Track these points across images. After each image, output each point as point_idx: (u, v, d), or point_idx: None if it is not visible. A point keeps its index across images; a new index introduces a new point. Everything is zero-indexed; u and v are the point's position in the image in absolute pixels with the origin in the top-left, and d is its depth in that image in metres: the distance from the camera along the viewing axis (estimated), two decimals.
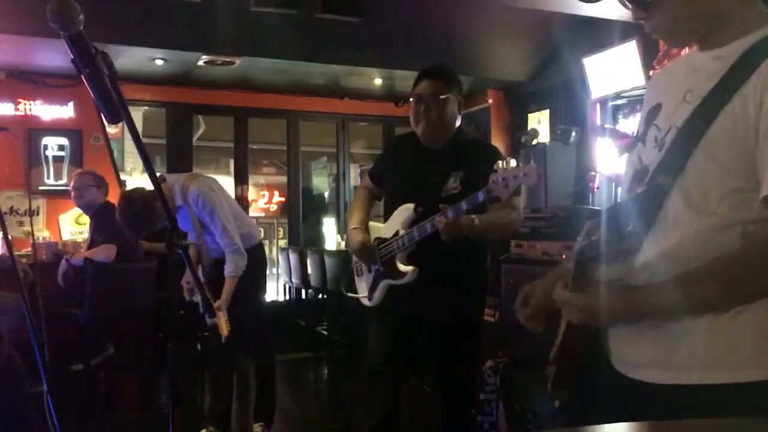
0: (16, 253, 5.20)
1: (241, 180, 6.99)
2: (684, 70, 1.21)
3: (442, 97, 2.47)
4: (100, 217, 4.43)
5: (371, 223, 2.74)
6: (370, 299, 2.67)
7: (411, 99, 2.55)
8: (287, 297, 7.00)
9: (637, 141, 1.26)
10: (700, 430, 0.92)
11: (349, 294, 2.86)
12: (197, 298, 3.40)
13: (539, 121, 6.26)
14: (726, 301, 1.07)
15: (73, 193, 4.53)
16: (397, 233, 2.53)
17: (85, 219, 5.11)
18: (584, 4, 5.07)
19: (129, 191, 3.52)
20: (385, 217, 2.66)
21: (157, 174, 3.81)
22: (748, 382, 1.07)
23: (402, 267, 2.51)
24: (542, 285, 1.35)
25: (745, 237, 1.04)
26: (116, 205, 3.30)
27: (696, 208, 1.09)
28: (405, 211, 2.51)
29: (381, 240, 2.63)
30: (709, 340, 1.09)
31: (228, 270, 3.29)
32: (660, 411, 1.13)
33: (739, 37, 1.11)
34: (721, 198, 1.07)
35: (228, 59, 5.60)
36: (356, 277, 2.81)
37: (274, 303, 6.86)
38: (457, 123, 2.58)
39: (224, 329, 3.01)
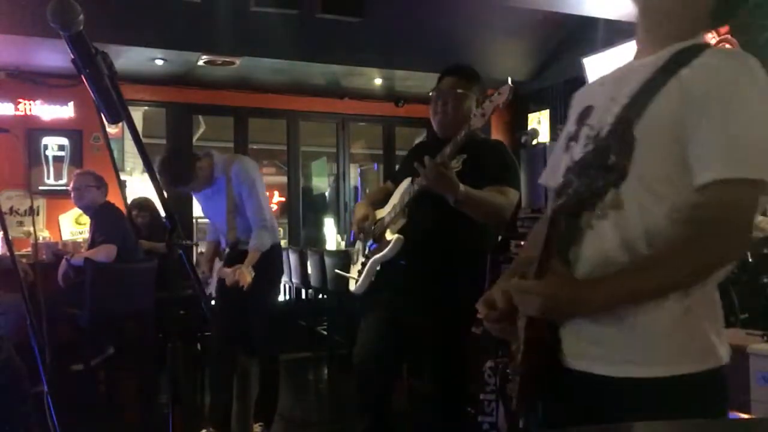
0: (16, 253, 5.21)
1: None
2: (614, 78, 1.34)
3: (459, 91, 2.53)
4: (100, 217, 4.43)
5: (377, 210, 2.73)
6: (356, 282, 2.65)
7: (431, 94, 2.60)
8: (287, 297, 7.00)
9: (569, 140, 1.34)
10: (702, 429, 0.92)
11: (337, 270, 2.86)
12: (211, 287, 3.49)
13: (539, 121, 6.27)
14: (679, 282, 1.15)
15: (73, 194, 4.53)
16: (393, 206, 2.55)
17: (85, 219, 5.12)
18: (584, 3, 5.08)
19: (167, 152, 3.71)
20: None
21: (202, 150, 3.91)
22: (692, 373, 1.16)
23: (389, 235, 2.50)
24: (500, 288, 1.36)
25: (687, 223, 1.13)
26: (158, 164, 3.34)
27: (637, 196, 1.16)
28: (405, 183, 2.52)
29: (380, 219, 2.64)
30: (654, 334, 1.17)
31: (253, 244, 3.33)
32: (609, 403, 1.20)
33: (665, 47, 1.24)
34: (659, 184, 1.15)
35: (228, 59, 5.60)
36: (352, 266, 2.80)
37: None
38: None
39: (247, 278, 3.19)
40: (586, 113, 1.33)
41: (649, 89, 1.19)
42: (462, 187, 2.22)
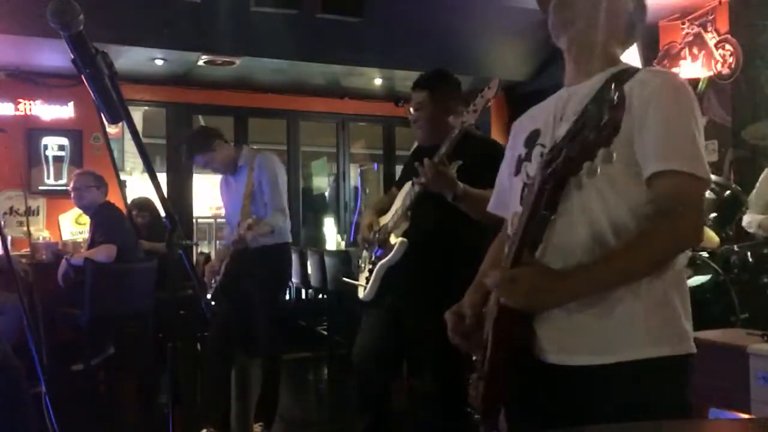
0: (16, 253, 5.23)
1: None
2: (553, 103, 1.48)
3: (419, 110, 2.63)
4: (100, 217, 4.43)
5: (381, 217, 2.78)
6: (364, 289, 2.69)
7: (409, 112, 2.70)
8: (287, 297, 6.99)
9: (521, 162, 1.45)
10: (704, 429, 0.92)
11: (345, 279, 2.91)
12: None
13: None
14: (640, 269, 1.26)
15: (73, 194, 4.53)
16: (396, 211, 2.60)
17: (85, 219, 5.11)
18: None
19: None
20: None
21: (232, 143, 4.19)
22: (669, 356, 1.28)
23: (392, 239, 2.56)
24: (469, 303, 1.48)
25: (643, 215, 1.26)
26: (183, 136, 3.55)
27: (603, 194, 1.28)
28: (405, 188, 2.59)
29: (384, 225, 2.68)
30: (632, 319, 1.27)
31: (266, 220, 3.45)
32: (590, 392, 1.28)
33: (598, 74, 1.41)
34: (619, 181, 1.28)
35: (228, 59, 5.60)
36: (360, 274, 2.83)
37: None
38: (469, 118, 2.62)
39: (247, 233, 3.31)
40: (533, 136, 1.45)
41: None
42: (460, 183, 2.28)
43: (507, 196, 1.53)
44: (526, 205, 1.23)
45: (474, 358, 1.43)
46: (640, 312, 1.27)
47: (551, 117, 1.43)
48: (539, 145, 1.41)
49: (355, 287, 2.83)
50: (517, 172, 1.46)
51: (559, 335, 1.30)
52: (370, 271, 2.67)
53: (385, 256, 2.58)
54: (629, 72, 1.37)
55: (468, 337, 1.45)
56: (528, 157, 1.43)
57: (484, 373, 1.33)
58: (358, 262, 2.87)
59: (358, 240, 2.82)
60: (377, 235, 2.66)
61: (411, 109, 2.69)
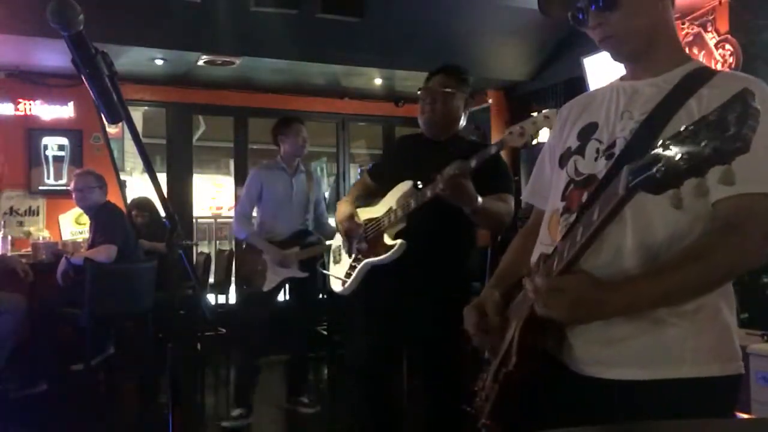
0: (16, 253, 5.22)
1: (241, 180, 6.97)
2: (614, 95, 1.35)
3: (447, 90, 2.52)
4: (102, 217, 4.43)
5: (360, 209, 2.70)
6: (344, 284, 2.62)
7: (419, 92, 2.59)
8: (287, 297, 6.97)
9: (570, 154, 1.35)
10: (703, 429, 0.92)
11: (324, 271, 2.87)
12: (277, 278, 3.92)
13: None
14: (707, 284, 1.16)
15: (75, 195, 4.53)
16: (390, 209, 2.50)
17: (86, 219, 5.11)
18: None
19: None
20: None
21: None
22: (720, 377, 1.18)
23: (389, 241, 2.47)
24: (491, 299, 1.37)
25: (711, 229, 1.15)
26: None
27: (656, 204, 1.14)
28: (403, 186, 2.49)
29: (370, 219, 2.60)
30: (672, 337, 1.17)
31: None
32: (615, 407, 1.19)
33: (669, 70, 1.29)
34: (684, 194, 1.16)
35: (228, 59, 5.59)
36: (333, 265, 2.78)
37: None
38: (462, 122, 2.61)
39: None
40: (589, 129, 1.34)
41: (668, 106, 1.22)
42: (479, 197, 2.21)
43: (545, 187, 1.43)
44: (590, 209, 1.08)
45: (486, 355, 1.39)
46: (689, 326, 1.18)
47: (611, 112, 1.32)
48: (595, 140, 1.31)
49: (330, 278, 2.77)
50: (563, 164, 1.36)
51: (595, 345, 1.22)
52: (352, 267, 2.60)
53: (377, 254, 2.51)
54: (705, 74, 1.26)
55: (487, 333, 1.38)
56: (580, 151, 1.33)
57: (501, 377, 1.25)
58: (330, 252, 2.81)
59: (338, 228, 2.71)
60: (366, 230, 2.58)
61: (425, 92, 2.56)
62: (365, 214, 2.65)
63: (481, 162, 2.18)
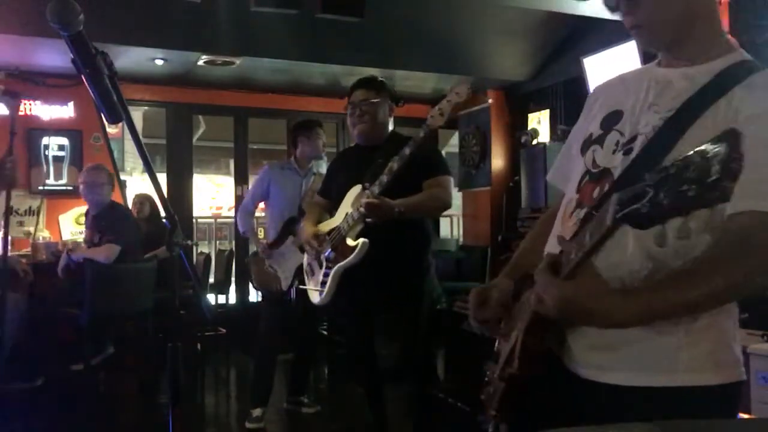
0: (16, 253, 5.22)
1: (241, 180, 6.99)
2: (644, 84, 1.27)
3: (372, 101, 2.78)
4: (111, 216, 4.44)
5: (321, 224, 2.90)
6: (321, 293, 2.77)
7: (347, 108, 2.84)
8: (287, 297, 6.98)
9: (591, 142, 1.30)
10: (703, 429, 0.92)
11: (302, 286, 3.02)
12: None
13: (539, 121, 6.26)
14: (718, 297, 1.10)
15: (83, 188, 4.52)
16: (347, 215, 2.67)
17: None
18: (584, 3, 5.07)
19: None
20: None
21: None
22: (720, 385, 1.14)
23: (351, 242, 2.63)
24: (498, 287, 1.37)
25: (718, 240, 1.09)
26: None
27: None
28: (354, 191, 2.68)
29: (332, 229, 2.77)
30: (668, 344, 1.14)
31: None
32: (607, 410, 1.17)
33: (708, 60, 1.21)
34: None
35: (228, 59, 5.60)
36: (307, 280, 2.95)
37: None
38: (390, 126, 2.89)
39: None
40: (613, 118, 1.29)
41: (697, 105, 1.16)
42: (396, 207, 2.46)
43: (569, 169, 1.38)
44: (594, 221, 1.06)
45: (497, 345, 1.38)
46: (685, 334, 1.14)
47: (638, 102, 1.25)
48: (616, 131, 1.26)
49: (309, 293, 2.94)
50: (584, 151, 1.32)
51: (593, 349, 1.20)
52: (326, 274, 2.74)
53: (344, 258, 2.64)
54: (744, 69, 1.17)
55: (487, 321, 1.36)
56: (600, 141, 1.28)
57: (505, 375, 1.25)
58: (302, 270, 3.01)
59: (305, 248, 2.92)
60: (331, 240, 2.74)
61: (351, 106, 2.81)
62: (327, 226, 2.84)
63: (414, 149, 2.45)
